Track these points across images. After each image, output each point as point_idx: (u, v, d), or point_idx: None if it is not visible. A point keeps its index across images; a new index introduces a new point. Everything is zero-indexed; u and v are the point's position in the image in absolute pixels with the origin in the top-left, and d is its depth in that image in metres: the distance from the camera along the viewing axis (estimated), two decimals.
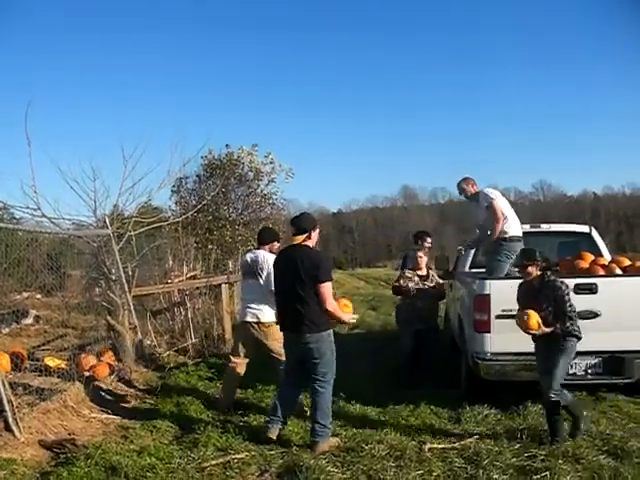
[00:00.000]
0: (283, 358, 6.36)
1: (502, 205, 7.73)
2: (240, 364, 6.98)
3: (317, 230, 5.95)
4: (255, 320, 6.74)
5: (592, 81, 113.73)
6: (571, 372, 6.48)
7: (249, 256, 7.04)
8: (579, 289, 6.45)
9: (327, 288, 5.60)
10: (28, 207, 8.41)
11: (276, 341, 6.58)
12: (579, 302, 6.41)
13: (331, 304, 5.62)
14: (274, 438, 5.80)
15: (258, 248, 7.09)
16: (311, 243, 5.84)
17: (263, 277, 6.76)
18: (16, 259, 8.76)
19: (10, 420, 5.64)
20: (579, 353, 6.47)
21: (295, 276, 5.60)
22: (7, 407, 5.66)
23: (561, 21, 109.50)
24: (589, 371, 6.57)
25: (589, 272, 7.40)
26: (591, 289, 6.51)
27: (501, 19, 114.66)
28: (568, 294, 5.50)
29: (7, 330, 10.77)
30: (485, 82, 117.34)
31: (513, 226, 7.65)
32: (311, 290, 5.57)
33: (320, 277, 5.57)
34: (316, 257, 5.72)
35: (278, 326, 6.11)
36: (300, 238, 5.78)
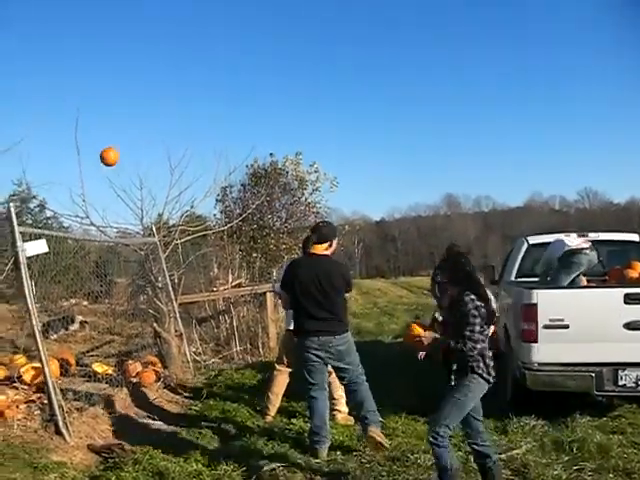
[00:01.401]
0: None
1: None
2: (285, 372, 7.00)
3: (336, 240, 6.19)
4: None
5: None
6: (621, 383, 6.37)
7: None
8: (629, 299, 6.34)
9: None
10: (77, 216, 8.58)
11: None
12: (629, 312, 6.33)
13: None
14: (325, 458, 5.70)
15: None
16: (330, 252, 6.06)
17: None
18: (64, 266, 8.92)
19: (61, 424, 5.75)
20: (629, 364, 6.37)
21: (328, 283, 5.77)
22: (58, 412, 5.77)
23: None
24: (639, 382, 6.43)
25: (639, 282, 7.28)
26: None
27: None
28: (475, 317, 4.38)
29: (55, 336, 10.96)
30: (530, 90, 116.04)
31: (572, 242, 7.83)
32: (340, 296, 5.91)
33: (349, 288, 6.10)
34: (345, 269, 6.25)
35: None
36: (323, 247, 5.95)
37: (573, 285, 7.75)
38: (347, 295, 6.12)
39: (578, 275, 7.84)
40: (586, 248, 7.81)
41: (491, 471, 4.57)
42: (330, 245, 5.99)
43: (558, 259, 7.89)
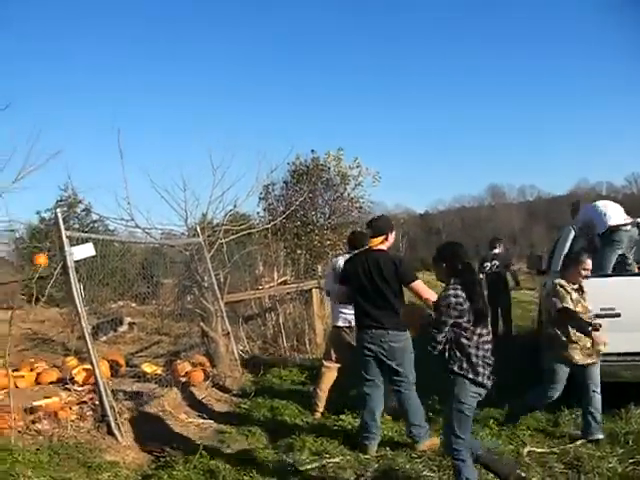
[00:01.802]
0: None
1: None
2: (332, 368, 6.99)
3: (393, 233, 6.04)
4: (347, 324, 6.74)
5: None
6: None
7: (340, 261, 7.01)
8: None
9: (420, 284, 5.71)
10: (122, 218, 8.68)
11: None
12: None
13: (431, 293, 5.60)
14: (375, 454, 5.68)
15: (348, 252, 7.06)
16: (387, 245, 5.94)
17: None
18: (111, 269, 9.04)
19: (112, 425, 5.85)
20: None
21: (379, 276, 5.68)
22: (109, 412, 5.87)
23: None
24: None
25: None
26: None
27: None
28: (444, 315, 4.21)
29: (105, 338, 11.14)
30: (571, 73, 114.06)
31: (613, 216, 7.58)
32: (394, 291, 5.69)
33: (408, 279, 5.70)
34: (398, 259, 5.86)
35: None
36: (378, 240, 5.88)
37: (623, 270, 7.59)
38: (414, 283, 5.68)
39: (623, 254, 7.66)
40: (625, 224, 7.59)
41: (484, 462, 4.59)
42: (386, 238, 5.91)
43: (599, 237, 7.71)
